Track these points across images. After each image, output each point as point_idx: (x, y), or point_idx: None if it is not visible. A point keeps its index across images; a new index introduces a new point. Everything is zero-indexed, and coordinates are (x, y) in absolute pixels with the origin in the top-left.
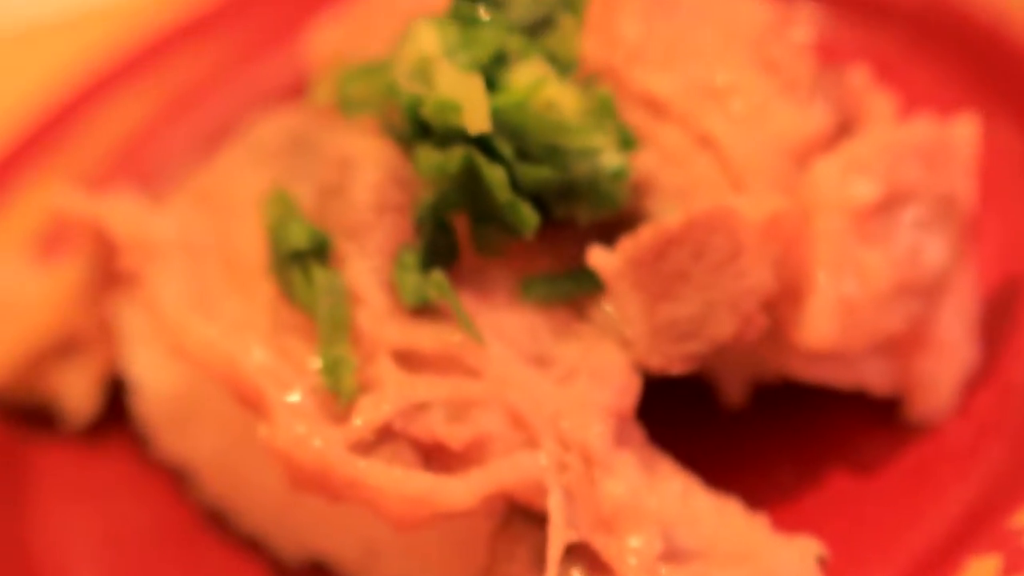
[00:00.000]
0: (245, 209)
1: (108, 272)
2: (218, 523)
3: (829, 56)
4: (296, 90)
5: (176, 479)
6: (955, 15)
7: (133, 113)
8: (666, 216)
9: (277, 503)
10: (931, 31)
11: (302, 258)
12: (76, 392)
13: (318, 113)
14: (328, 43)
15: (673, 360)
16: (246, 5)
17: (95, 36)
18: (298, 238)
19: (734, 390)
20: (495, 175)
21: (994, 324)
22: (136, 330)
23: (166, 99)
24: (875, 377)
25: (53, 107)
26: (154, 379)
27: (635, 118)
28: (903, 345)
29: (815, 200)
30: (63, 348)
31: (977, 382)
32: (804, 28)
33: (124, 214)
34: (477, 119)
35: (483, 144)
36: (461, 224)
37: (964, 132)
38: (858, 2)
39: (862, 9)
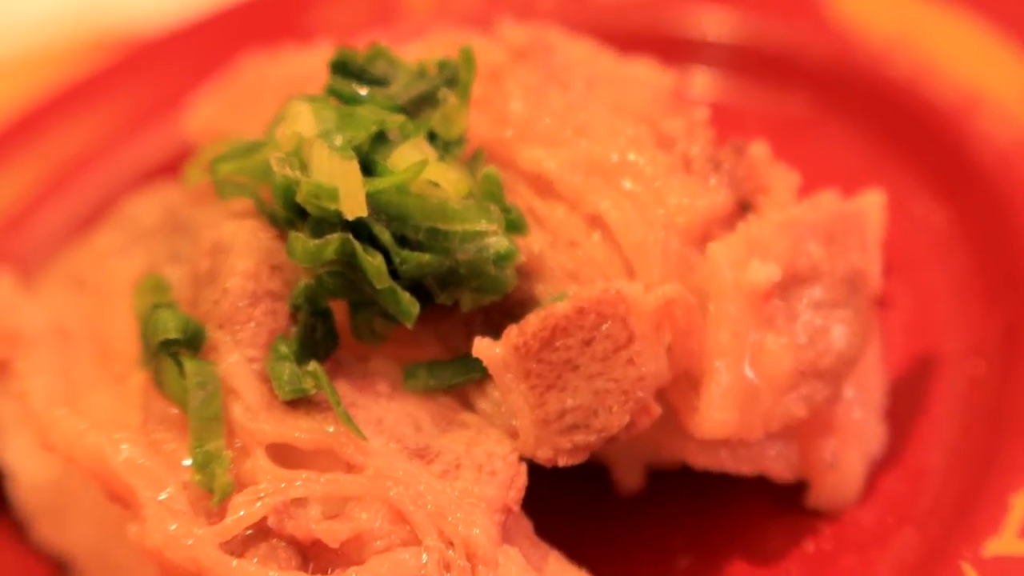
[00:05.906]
0: (118, 294)
1: None
2: None
3: (733, 121)
4: (176, 168)
5: (57, 567)
6: (865, 75)
7: (6, 188)
8: (554, 302)
9: None
10: (840, 92)
11: (174, 348)
12: None
13: (193, 193)
14: (206, 118)
15: (562, 452)
16: (125, 78)
17: None
18: (170, 327)
19: (630, 475)
20: (372, 263)
21: (902, 405)
22: (10, 417)
23: (42, 174)
24: (777, 463)
25: None
26: (29, 467)
27: (523, 198)
28: (806, 429)
29: (712, 283)
30: None
31: (884, 466)
32: (702, 107)
33: None
34: (353, 204)
35: (360, 229)
36: (340, 310)
37: (870, 206)
38: (762, 62)
39: (767, 70)
